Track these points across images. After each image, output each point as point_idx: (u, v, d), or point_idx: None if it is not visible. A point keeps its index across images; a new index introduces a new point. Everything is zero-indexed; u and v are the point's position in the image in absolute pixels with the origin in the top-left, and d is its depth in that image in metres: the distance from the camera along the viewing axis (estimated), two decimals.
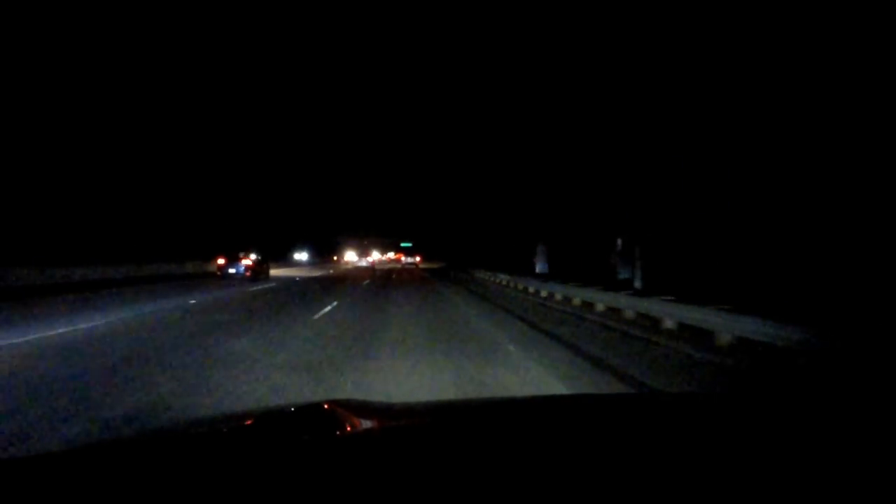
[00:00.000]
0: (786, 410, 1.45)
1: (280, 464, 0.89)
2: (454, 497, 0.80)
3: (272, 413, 1.51)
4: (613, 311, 12.42)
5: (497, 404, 1.87)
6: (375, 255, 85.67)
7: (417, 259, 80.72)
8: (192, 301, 14.34)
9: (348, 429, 1.20)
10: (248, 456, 0.96)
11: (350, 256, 68.49)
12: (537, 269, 31.36)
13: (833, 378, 5.93)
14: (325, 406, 1.35)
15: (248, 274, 26.51)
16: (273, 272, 33.88)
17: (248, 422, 1.38)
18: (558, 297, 16.55)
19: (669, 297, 10.56)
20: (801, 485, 0.86)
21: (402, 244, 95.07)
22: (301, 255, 63.46)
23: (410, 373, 6.03)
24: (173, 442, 1.15)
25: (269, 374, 5.83)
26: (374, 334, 8.96)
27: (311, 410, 1.37)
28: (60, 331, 8.58)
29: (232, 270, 26.56)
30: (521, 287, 21.57)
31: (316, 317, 11.25)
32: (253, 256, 27.52)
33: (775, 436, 1.16)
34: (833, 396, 2.74)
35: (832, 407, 1.50)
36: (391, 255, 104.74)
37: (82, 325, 9.24)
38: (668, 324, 9.81)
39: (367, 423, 1.26)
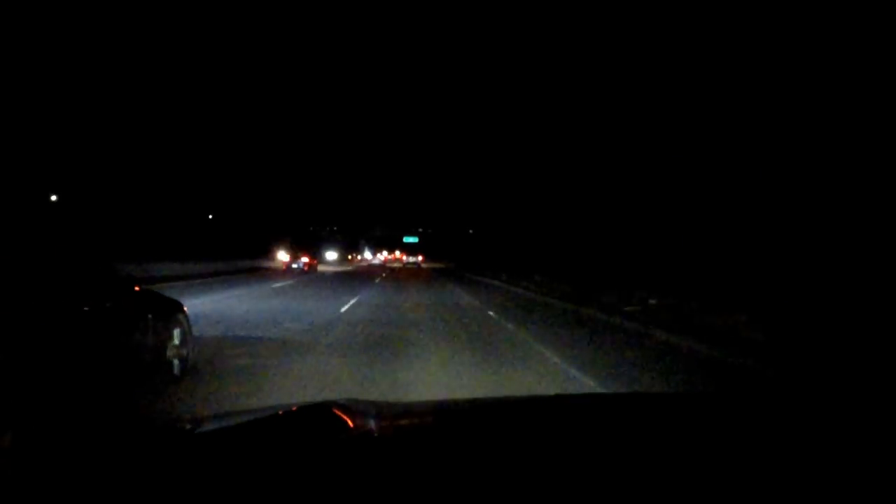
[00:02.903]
0: (782, 409, 1.51)
1: (280, 464, 0.92)
2: (456, 498, 0.82)
3: (273, 413, 1.50)
4: None
5: (498, 404, 1.91)
6: (367, 255, 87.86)
7: (420, 258, 79.32)
8: (295, 280, 26.27)
9: (349, 429, 1.21)
10: (248, 456, 0.99)
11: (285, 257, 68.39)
12: None
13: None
14: (326, 406, 1.38)
15: (305, 268, 38.33)
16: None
17: (249, 421, 1.41)
18: None
19: None
20: (799, 484, 0.88)
21: (406, 238, 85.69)
22: (331, 255, 74.11)
23: (420, 295, 17.95)
24: (174, 442, 1.17)
25: (375, 293, 17.75)
26: (408, 282, 20.86)
27: (311, 411, 1.41)
28: (275, 285, 20.44)
29: (295, 265, 38.40)
30: None
31: (376, 282, 23.23)
32: (307, 255, 39.48)
33: (773, 434, 1.20)
34: (825, 394, 3.04)
35: (826, 405, 1.58)
36: (397, 253, 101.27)
37: (279, 283, 21.09)
38: None
39: (367, 424, 1.29)
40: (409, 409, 1.61)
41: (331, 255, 74.04)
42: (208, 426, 1.42)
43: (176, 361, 5.06)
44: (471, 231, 68.89)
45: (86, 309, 3.79)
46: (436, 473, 0.90)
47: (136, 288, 4.57)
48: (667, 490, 0.84)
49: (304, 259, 38.84)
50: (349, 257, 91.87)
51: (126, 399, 4.21)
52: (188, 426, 1.43)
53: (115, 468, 0.91)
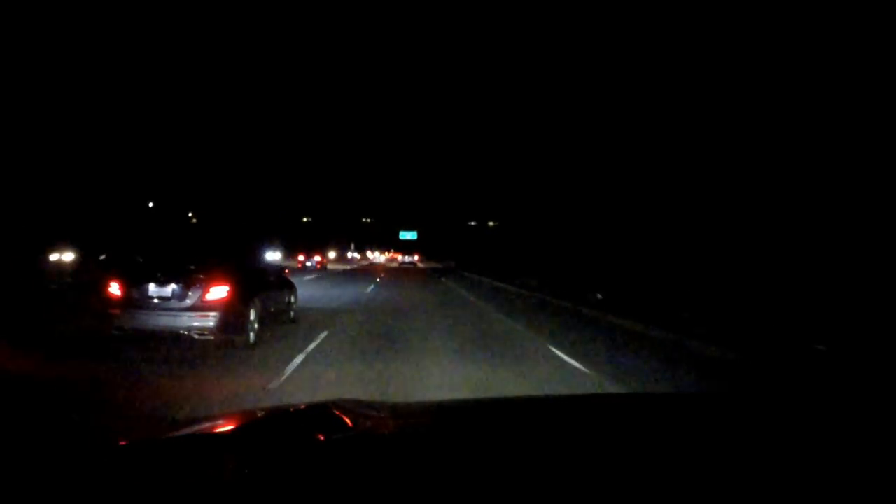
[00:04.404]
0: (783, 409, 1.54)
1: (279, 464, 0.92)
2: (455, 498, 0.82)
3: (273, 413, 1.52)
4: None
5: (496, 404, 1.92)
6: (357, 254, 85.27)
7: (416, 258, 75.69)
8: (317, 275, 31.15)
9: (348, 429, 1.23)
10: (248, 456, 1.00)
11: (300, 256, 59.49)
12: None
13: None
14: (325, 406, 1.39)
15: (318, 266, 43.26)
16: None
17: (249, 422, 1.44)
18: None
19: None
20: (799, 484, 0.88)
21: (403, 234, 74.99)
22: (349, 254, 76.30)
23: (413, 280, 22.92)
24: (172, 442, 1.19)
25: (381, 285, 22.97)
26: (404, 276, 25.80)
27: (311, 411, 1.44)
28: (305, 278, 25.34)
29: (308, 264, 43.31)
30: None
31: (379, 279, 28.23)
32: (320, 255, 44.46)
33: (774, 435, 1.21)
34: (827, 395, 3.15)
35: (827, 405, 1.61)
36: (387, 255, 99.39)
37: (307, 277, 25.94)
38: None
39: (366, 424, 1.31)
40: (408, 409, 1.63)
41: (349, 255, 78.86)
42: (205, 427, 1.44)
43: (292, 313, 9.91)
44: (491, 223, 59.59)
45: (272, 278, 8.92)
46: (435, 473, 0.91)
47: (286, 272, 9.55)
48: (667, 490, 0.85)
49: (317, 258, 43.84)
50: (351, 256, 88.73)
51: (274, 326, 8.90)
52: (191, 427, 1.47)
53: (121, 471, 0.92)
